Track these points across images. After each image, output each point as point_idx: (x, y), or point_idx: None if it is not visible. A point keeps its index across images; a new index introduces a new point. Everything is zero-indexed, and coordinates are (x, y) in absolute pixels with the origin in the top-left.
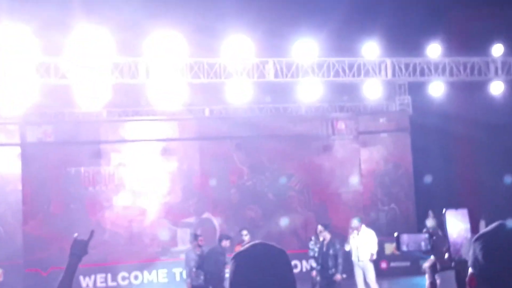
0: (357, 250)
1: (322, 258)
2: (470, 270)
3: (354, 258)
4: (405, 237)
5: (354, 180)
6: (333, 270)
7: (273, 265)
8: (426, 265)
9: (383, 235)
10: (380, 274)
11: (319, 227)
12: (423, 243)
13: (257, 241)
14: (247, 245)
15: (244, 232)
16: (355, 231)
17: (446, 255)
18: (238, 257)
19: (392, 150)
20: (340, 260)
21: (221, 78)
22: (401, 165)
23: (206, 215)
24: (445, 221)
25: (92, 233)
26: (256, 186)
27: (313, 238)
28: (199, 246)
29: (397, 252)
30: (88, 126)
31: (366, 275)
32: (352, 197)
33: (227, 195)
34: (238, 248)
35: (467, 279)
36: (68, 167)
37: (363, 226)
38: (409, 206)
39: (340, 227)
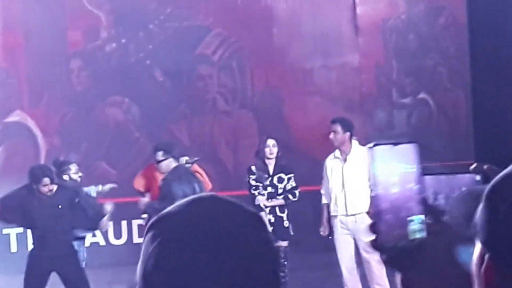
0: (341, 193)
1: None
2: (479, 246)
3: (335, 211)
4: (429, 182)
5: (342, 41)
6: None
7: (239, 248)
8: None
9: None
10: None
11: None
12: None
13: (202, 195)
14: (180, 203)
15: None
16: (339, 152)
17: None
18: (163, 228)
19: None
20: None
21: None
22: (444, 8)
23: (16, 116)
24: (374, 163)
25: None
26: (127, 53)
27: (253, 168)
28: None
29: None
30: None
31: (359, 243)
32: (337, 79)
33: (62, 74)
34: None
35: (478, 262)
36: None
37: (355, 142)
38: (458, 98)
39: (306, 142)
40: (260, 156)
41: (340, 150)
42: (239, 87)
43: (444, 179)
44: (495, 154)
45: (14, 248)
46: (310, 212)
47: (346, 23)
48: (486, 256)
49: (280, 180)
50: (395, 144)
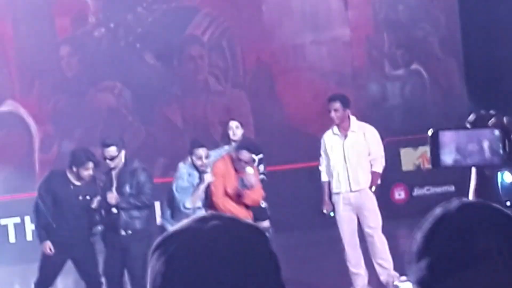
0: (344, 170)
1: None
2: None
3: (337, 187)
4: (449, 137)
5: (331, 15)
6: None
7: (243, 262)
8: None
9: (396, 133)
10: (393, 213)
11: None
12: (487, 146)
13: (205, 214)
14: (183, 223)
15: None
16: (337, 128)
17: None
18: (169, 247)
19: None
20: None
21: None
22: None
23: (7, 106)
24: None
25: None
26: (116, 37)
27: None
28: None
29: (427, 166)
30: None
31: (362, 219)
32: (328, 54)
33: (52, 61)
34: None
35: None
36: None
37: (353, 118)
38: (450, 67)
39: (299, 119)
40: (226, 140)
41: (339, 126)
42: (230, 67)
43: (464, 134)
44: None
45: (12, 238)
46: (309, 188)
47: None
48: None
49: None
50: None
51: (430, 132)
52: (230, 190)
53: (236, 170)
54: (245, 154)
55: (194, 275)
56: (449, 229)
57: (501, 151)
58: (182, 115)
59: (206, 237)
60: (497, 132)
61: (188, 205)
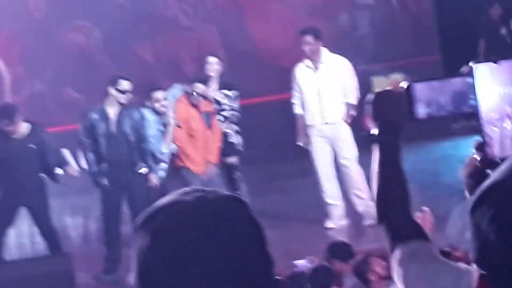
0: (317, 102)
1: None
2: (473, 266)
3: (311, 120)
4: (422, 89)
5: None
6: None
7: (226, 233)
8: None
9: (368, 62)
10: (366, 143)
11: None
12: (460, 96)
13: (186, 189)
14: (168, 199)
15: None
16: (309, 62)
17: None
18: (153, 223)
19: None
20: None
21: None
22: None
23: None
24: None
25: None
26: None
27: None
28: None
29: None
30: None
31: (338, 150)
32: None
33: (19, 2)
34: None
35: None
36: None
37: (325, 50)
38: None
39: (271, 52)
40: (202, 76)
41: (311, 59)
42: (199, 1)
43: (437, 85)
44: (459, 46)
45: None
46: (282, 120)
47: None
48: (477, 274)
49: (226, 96)
50: (496, 62)
51: (404, 85)
52: (197, 127)
53: (195, 106)
54: (199, 86)
55: (181, 247)
56: None
57: (473, 100)
58: (154, 52)
59: (190, 208)
60: (470, 80)
61: (164, 150)
